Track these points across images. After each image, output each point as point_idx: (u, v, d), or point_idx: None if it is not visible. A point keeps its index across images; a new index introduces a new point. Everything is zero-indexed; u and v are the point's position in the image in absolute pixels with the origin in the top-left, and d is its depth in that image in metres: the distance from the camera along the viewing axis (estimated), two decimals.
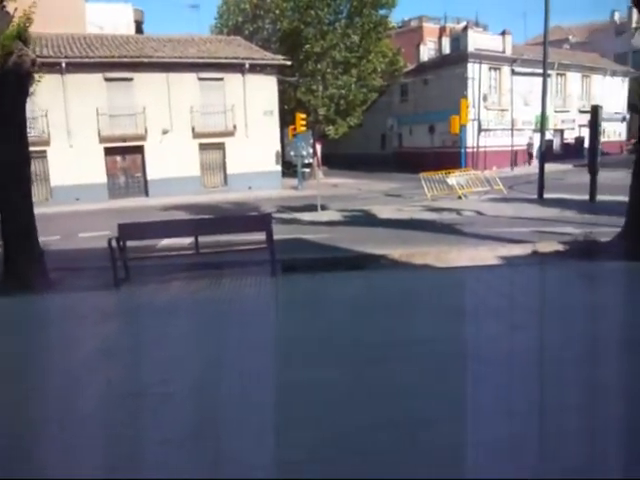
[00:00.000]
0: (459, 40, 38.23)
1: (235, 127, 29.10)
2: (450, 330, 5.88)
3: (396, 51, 38.92)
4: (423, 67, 41.04)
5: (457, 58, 37.20)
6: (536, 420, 3.96)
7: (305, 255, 10.89)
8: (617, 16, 64.76)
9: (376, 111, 42.22)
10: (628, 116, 48.33)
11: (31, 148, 25.31)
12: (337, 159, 44.44)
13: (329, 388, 4.49)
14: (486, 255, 10.27)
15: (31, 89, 10.00)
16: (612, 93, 44.07)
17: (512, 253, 10.39)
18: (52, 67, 25.45)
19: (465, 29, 37.86)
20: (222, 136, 29.01)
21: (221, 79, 28.62)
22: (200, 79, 28.22)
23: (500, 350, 5.31)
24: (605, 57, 50.15)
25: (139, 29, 40.13)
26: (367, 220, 16.64)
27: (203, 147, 28.94)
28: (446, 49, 40.23)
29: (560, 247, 10.41)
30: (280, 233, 14.23)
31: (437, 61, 40.13)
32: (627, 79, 48.40)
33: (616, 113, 44.28)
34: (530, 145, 39.32)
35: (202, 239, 9.20)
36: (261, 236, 9.12)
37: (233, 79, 28.81)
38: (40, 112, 25.52)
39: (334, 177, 35.70)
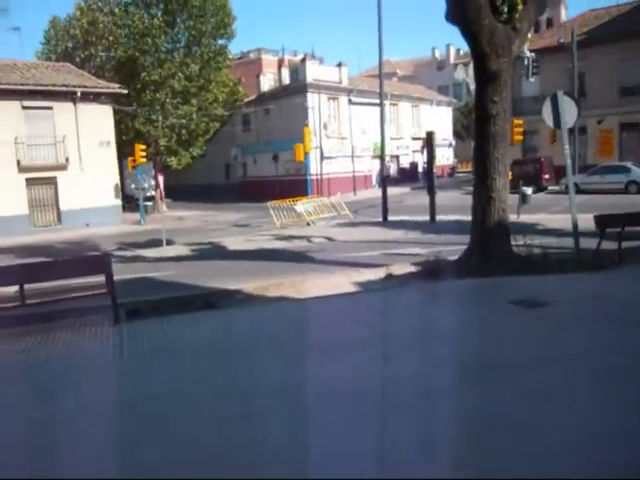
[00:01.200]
0: (298, 71, 39.16)
1: (68, 160, 26.93)
2: (317, 369, 5.46)
3: (236, 81, 38.90)
4: (264, 97, 41.41)
5: (297, 88, 38.01)
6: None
7: (151, 296, 9.94)
8: (437, 53, 70.94)
9: (219, 141, 41.70)
10: (454, 142, 52.60)
11: None
12: (181, 191, 43.19)
13: (189, 454, 3.82)
14: (342, 282, 10.11)
15: None
16: (439, 121, 47.62)
17: (367, 278, 10.34)
18: None
19: (303, 60, 38.92)
20: (53, 170, 26.69)
21: (50, 108, 26.39)
22: (25, 107, 25.79)
23: (378, 386, 4.99)
24: (430, 89, 54.24)
25: None
26: (216, 253, 15.97)
27: (31, 182, 26.35)
28: (286, 80, 41.02)
29: (412, 268, 10.55)
30: (122, 273, 13.12)
31: (278, 91, 40.71)
32: (450, 109, 52.73)
33: (443, 139, 47.82)
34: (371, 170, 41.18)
35: (30, 287, 7.98)
36: (100, 279, 8.12)
37: (64, 108, 26.72)
38: None
39: (179, 209, 34.52)
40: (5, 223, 24.71)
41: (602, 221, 10.44)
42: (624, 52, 33.18)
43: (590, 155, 34.63)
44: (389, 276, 10.19)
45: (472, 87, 56.34)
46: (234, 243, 17.47)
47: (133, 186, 22.75)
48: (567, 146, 10.95)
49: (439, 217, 20.08)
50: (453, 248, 13.04)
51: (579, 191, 23.10)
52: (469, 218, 17.48)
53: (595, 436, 3.79)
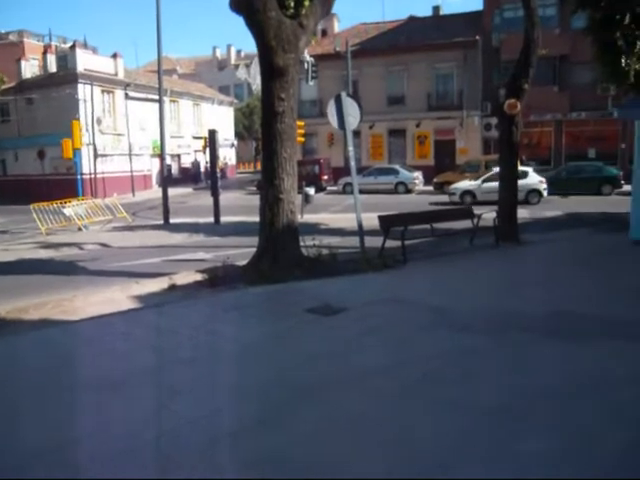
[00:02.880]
0: (67, 59, 35.48)
1: None
2: (90, 418, 4.35)
3: None
4: (26, 85, 36.72)
5: (66, 77, 34.39)
6: None
7: None
8: (218, 52, 70.46)
9: None
10: (236, 142, 52.46)
11: None
12: None
13: None
14: (118, 296, 8.84)
15: None
16: (220, 121, 46.94)
17: (148, 290, 9.20)
18: None
19: (73, 47, 35.34)
20: None
21: None
22: None
23: (163, 434, 4.05)
24: (212, 88, 53.41)
25: None
26: None
27: None
28: (52, 67, 36.88)
29: (198, 277, 9.66)
30: None
31: (43, 79, 36.37)
32: (232, 109, 52.48)
33: (225, 140, 47.33)
34: (150, 170, 39.05)
35: None
36: None
37: None
38: None
39: None
40: None
41: (386, 221, 10.64)
42: (391, 65, 35.98)
43: (364, 157, 36.93)
44: (172, 287, 9.17)
45: (253, 87, 57.19)
46: None
47: None
48: (351, 147, 10.99)
49: (224, 218, 19.43)
50: (240, 251, 12.50)
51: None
52: (254, 219, 17.08)
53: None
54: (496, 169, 25.47)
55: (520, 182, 23.04)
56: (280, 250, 9.41)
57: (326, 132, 37.56)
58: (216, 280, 9.13)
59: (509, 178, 12.53)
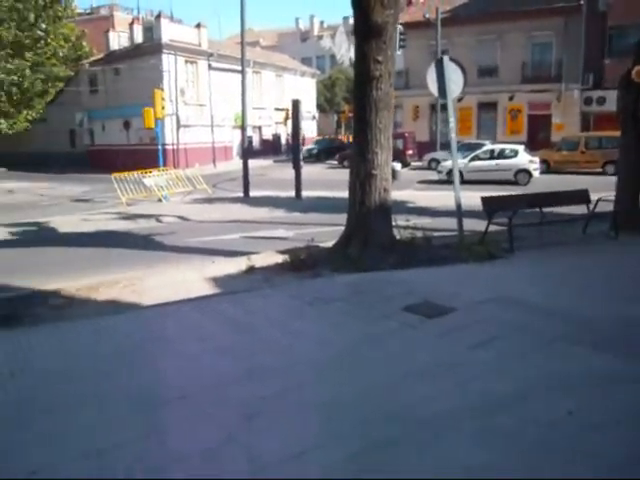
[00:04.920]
0: (152, 30, 35.48)
1: None
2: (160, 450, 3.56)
3: (80, 34, 34.41)
4: (114, 56, 37.09)
5: (151, 48, 34.40)
6: None
7: None
8: (301, 23, 69.33)
9: (63, 104, 37.07)
10: (317, 115, 51.49)
11: None
12: (19, 159, 38.00)
13: None
14: (193, 277, 8.13)
15: None
16: (302, 93, 46.02)
17: (224, 271, 8.44)
18: None
19: (158, 17, 35.21)
20: None
21: None
22: None
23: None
24: (294, 60, 52.51)
25: None
26: (41, 237, 13.11)
27: None
28: (139, 39, 37.06)
29: (279, 258, 8.80)
30: None
31: (130, 50, 36.59)
32: (314, 81, 51.42)
33: (307, 112, 46.43)
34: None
35: None
36: None
37: None
38: None
39: (11, 181, 30.04)
40: None
41: (491, 203, 9.35)
42: (483, 33, 33.71)
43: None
44: (251, 269, 8.36)
45: (338, 57, 55.69)
46: (66, 223, 14.66)
47: None
48: (452, 119, 9.73)
49: (305, 193, 18.57)
50: (323, 230, 11.61)
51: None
52: (337, 195, 16.20)
53: None
54: (486, 147, 23.86)
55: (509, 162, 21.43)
56: (371, 232, 8.37)
57: (411, 105, 35.97)
58: (299, 264, 8.24)
59: (636, 159, 10.75)
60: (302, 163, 18.87)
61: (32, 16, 29.27)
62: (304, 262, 8.28)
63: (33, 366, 4.94)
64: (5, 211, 17.76)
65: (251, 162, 21.21)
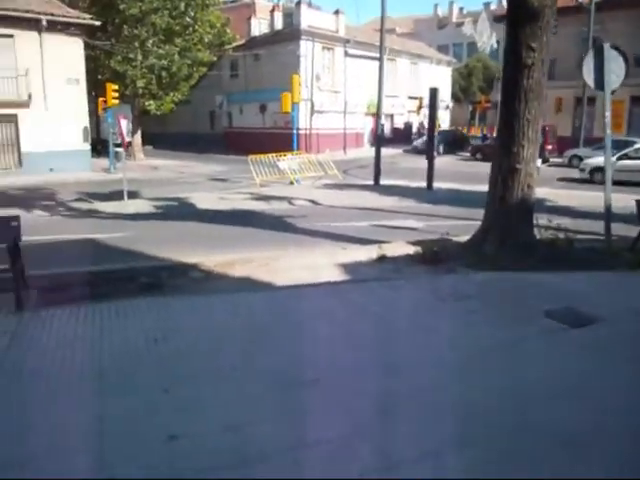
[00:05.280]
0: (292, 16, 36.31)
1: (30, 96, 24.20)
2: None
3: (225, 21, 35.93)
4: (254, 42, 38.45)
5: (290, 34, 35.25)
6: None
7: (86, 267, 8.00)
8: (439, 10, 67.67)
9: (205, 87, 38.98)
10: (451, 105, 50.15)
11: None
12: (163, 138, 40.66)
13: None
14: (323, 262, 8.19)
15: None
16: (437, 82, 44.94)
17: (354, 258, 8.43)
18: None
19: (298, 4, 35.92)
20: (14, 106, 23.93)
21: (10, 36, 23.53)
22: None
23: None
24: (430, 48, 51.42)
25: None
26: (181, 212, 13.90)
27: None
28: (279, 25, 38.12)
29: (410, 249, 8.65)
30: (66, 232, 11.19)
31: (269, 37, 37.78)
32: (450, 69, 50.06)
33: (441, 101, 45.36)
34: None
35: None
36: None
37: (27, 38, 23.83)
38: None
39: (157, 158, 32.19)
40: None
41: None
42: None
43: (597, 127, 32.60)
44: (381, 258, 8.29)
45: (479, 45, 53.64)
46: (205, 200, 15.42)
47: (111, 130, 20.38)
48: (608, 113, 8.94)
49: (435, 184, 18.15)
50: (454, 223, 11.27)
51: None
52: (468, 188, 15.65)
53: None
54: (638, 145, 20.97)
55: None
56: (510, 230, 7.96)
57: (554, 96, 33.90)
58: (431, 256, 8.03)
59: None
60: (435, 153, 18.46)
61: (183, 4, 30.94)
62: (437, 255, 8.06)
63: (174, 335, 5.19)
64: (150, 186, 19.02)
65: (382, 150, 21.07)
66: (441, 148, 30.83)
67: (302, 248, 9.33)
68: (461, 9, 67.65)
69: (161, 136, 40.54)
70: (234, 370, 4.41)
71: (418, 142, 34.93)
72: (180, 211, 13.99)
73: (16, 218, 6.29)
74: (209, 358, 4.66)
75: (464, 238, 8.94)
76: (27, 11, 23.47)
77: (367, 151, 36.01)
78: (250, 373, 4.36)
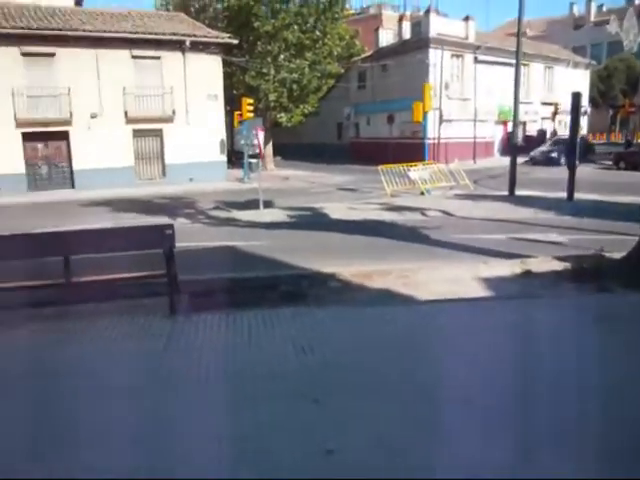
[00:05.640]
0: (420, 25, 36.03)
1: (174, 112, 26.03)
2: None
3: (353, 34, 36.38)
4: (382, 52, 38.61)
5: (418, 43, 34.98)
6: None
7: (226, 273, 8.31)
8: (575, 9, 64.07)
9: (333, 99, 39.78)
10: (589, 110, 47.11)
11: None
12: (293, 149, 41.89)
13: None
14: (464, 276, 7.91)
15: None
16: (573, 85, 42.48)
17: (497, 273, 8.06)
18: None
19: (427, 13, 35.59)
20: (160, 122, 25.90)
21: (158, 58, 25.43)
22: (134, 57, 25.01)
23: None
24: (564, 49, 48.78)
25: (79, 5, 36.50)
26: (315, 221, 14.13)
27: (138, 134, 25.77)
28: (406, 34, 37.97)
29: (556, 265, 8.13)
30: (207, 239, 11.75)
31: (397, 46, 37.75)
32: (588, 72, 47.13)
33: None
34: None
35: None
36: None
37: (172, 58, 25.70)
38: None
39: (287, 169, 33.17)
40: (112, 174, 24.39)
41: None
42: None
43: None
44: (526, 273, 7.85)
45: (625, 43, 49.92)
46: (336, 210, 15.58)
47: (243, 142, 21.33)
48: None
49: (576, 195, 17.02)
50: (602, 237, 10.42)
51: None
52: (613, 199, 14.52)
53: None
54: None
55: None
56: None
57: None
58: (581, 273, 7.48)
59: None
60: (570, 162, 17.32)
61: (312, 19, 31.79)
62: (588, 272, 7.49)
63: (321, 345, 5.21)
64: (283, 196, 19.57)
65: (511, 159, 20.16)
66: (562, 159, 28.39)
67: (440, 261, 9.09)
68: (600, 6, 63.59)
69: (290, 147, 41.76)
70: (384, 384, 4.32)
71: (536, 152, 32.87)
72: (314, 220, 14.24)
73: (170, 226, 6.65)
74: (357, 370, 4.61)
75: (617, 255, 8.24)
76: (173, 34, 25.28)
77: (497, 160, 34.79)
78: (400, 388, 4.25)
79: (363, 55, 38.94)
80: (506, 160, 20.14)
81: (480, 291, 7.21)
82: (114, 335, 5.78)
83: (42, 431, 3.81)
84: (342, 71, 36.49)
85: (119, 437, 3.73)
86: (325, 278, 8.04)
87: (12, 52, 23.00)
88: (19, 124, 23.49)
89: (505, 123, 38.20)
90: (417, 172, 19.54)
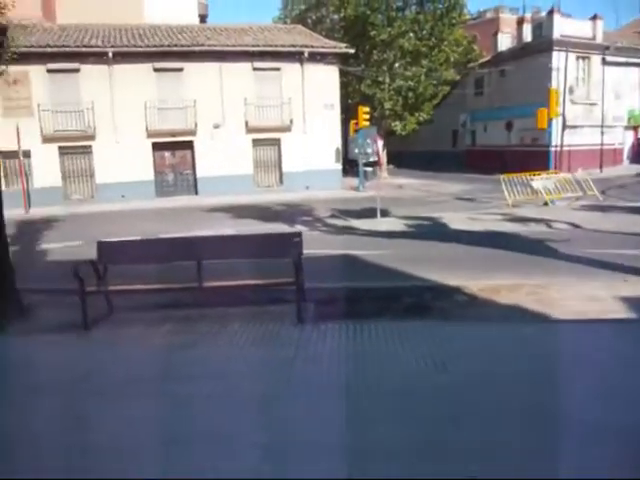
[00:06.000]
0: (542, 27, 34.49)
1: (292, 121, 26.66)
2: None
3: (471, 39, 35.46)
4: (500, 57, 37.30)
5: (540, 46, 33.45)
6: None
7: (349, 282, 8.31)
8: None
9: (448, 106, 38.97)
10: None
11: (75, 143, 24.16)
12: (405, 157, 41.48)
13: None
14: (602, 295, 7.36)
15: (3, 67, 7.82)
16: None
17: (638, 292, 7.45)
18: (99, 57, 24.04)
19: (550, 13, 33.93)
20: (278, 131, 26.64)
21: (278, 69, 26.19)
22: (255, 69, 25.91)
23: None
24: None
25: (203, 22, 38.57)
26: (434, 231, 13.84)
27: (257, 143, 26.67)
28: (527, 37, 36.46)
29: None
30: (326, 247, 11.83)
31: (516, 50, 36.31)
32: None
33: None
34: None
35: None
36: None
37: (291, 69, 26.37)
38: (86, 105, 24.08)
39: (400, 177, 32.89)
40: (233, 182, 25.38)
41: None
42: None
43: None
44: None
45: None
46: (456, 220, 15.17)
47: (356, 150, 21.47)
48: None
49: None
50: None
51: None
52: None
53: None
54: None
55: None
56: None
57: None
58: None
59: None
60: None
61: (429, 26, 31.43)
62: None
63: (454, 363, 5.02)
64: (398, 204, 19.38)
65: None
66: None
67: (572, 277, 8.54)
68: None
69: (402, 155, 41.37)
70: (525, 411, 4.08)
71: None
72: (433, 230, 13.96)
73: (299, 234, 6.75)
74: (493, 392, 4.40)
75: None
76: (292, 45, 25.96)
77: (626, 169, 32.48)
78: (545, 418, 3.99)
79: (481, 60, 37.85)
80: (636, 168, 18.69)
81: (623, 312, 6.67)
82: (244, 340, 5.94)
83: (171, 434, 3.95)
84: (458, 78, 35.68)
85: (247, 443, 3.78)
86: (450, 291, 7.82)
87: (145, 68, 24.67)
88: (150, 134, 25.10)
89: (635, 128, 35.65)
90: (540, 181, 18.62)
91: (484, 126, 38.92)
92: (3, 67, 7.94)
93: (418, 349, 5.37)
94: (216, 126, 25.71)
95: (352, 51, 27.82)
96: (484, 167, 32.96)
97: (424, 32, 31.47)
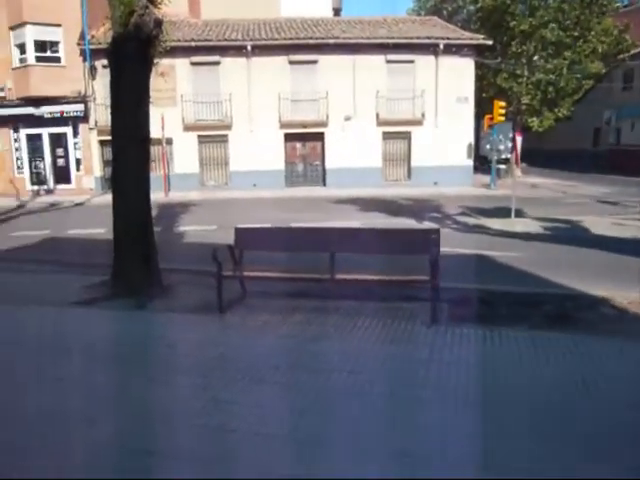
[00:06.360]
0: None
1: (423, 115, 26.12)
2: None
3: (623, 28, 32.70)
4: None
5: None
6: None
7: (482, 285, 7.96)
8: None
9: (590, 101, 36.34)
10: None
11: (213, 132, 25.45)
12: (539, 155, 39.36)
13: None
14: None
15: (156, 60, 8.26)
16: None
17: None
18: (239, 50, 24.99)
19: None
20: (408, 124, 26.20)
21: (411, 62, 25.71)
22: (388, 62, 25.64)
23: None
24: None
25: (337, 16, 39.01)
26: (574, 235, 12.94)
27: (387, 136, 26.42)
28: None
29: None
30: (457, 245, 11.45)
31: None
32: None
33: None
34: None
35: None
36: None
37: (424, 62, 25.79)
38: (225, 96, 25.16)
39: (534, 176, 31.27)
40: (361, 174, 25.44)
41: None
42: None
43: None
44: None
45: None
46: (598, 225, 14.10)
47: (488, 147, 20.61)
48: None
49: None
50: None
51: None
52: None
53: None
54: None
55: None
56: None
57: None
58: None
59: None
60: None
61: (574, 14, 29.43)
62: None
63: (607, 384, 4.61)
64: (531, 204, 18.39)
65: None
66: None
67: None
68: None
69: (536, 153, 39.30)
70: None
71: None
72: (572, 234, 13.06)
73: (437, 231, 6.55)
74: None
75: None
76: (427, 37, 25.43)
77: None
78: None
79: (633, 52, 34.84)
80: None
81: None
82: (376, 337, 5.85)
83: (308, 428, 3.94)
84: (604, 71, 33.13)
85: (385, 451, 3.68)
86: (594, 302, 7.23)
87: (281, 61, 25.29)
88: (283, 125, 25.72)
89: None
90: None
91: (632, 124, 35.90)
92: (157, 60, 8.41)
93: (564, 364, 4.99)
94: (347, 118, 25.82)
95: (490, 42, 26.70)
96: (630, 168, 30.47)
97: (569, 22, 29.53)
